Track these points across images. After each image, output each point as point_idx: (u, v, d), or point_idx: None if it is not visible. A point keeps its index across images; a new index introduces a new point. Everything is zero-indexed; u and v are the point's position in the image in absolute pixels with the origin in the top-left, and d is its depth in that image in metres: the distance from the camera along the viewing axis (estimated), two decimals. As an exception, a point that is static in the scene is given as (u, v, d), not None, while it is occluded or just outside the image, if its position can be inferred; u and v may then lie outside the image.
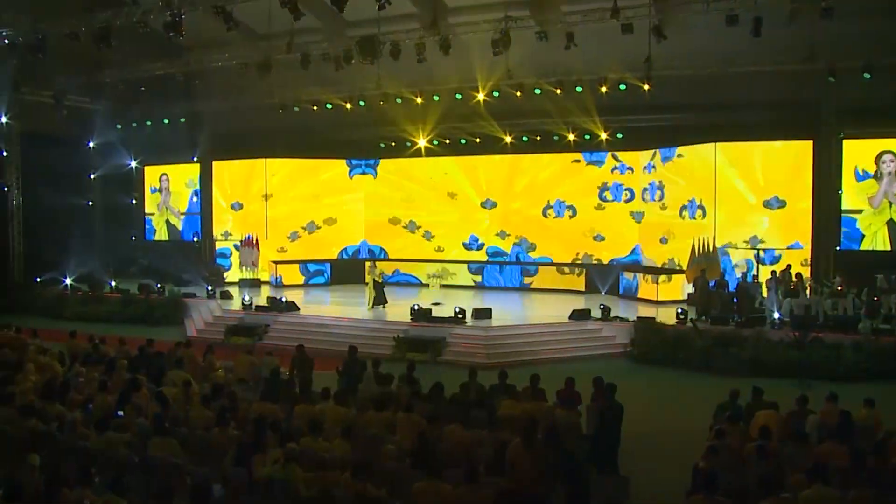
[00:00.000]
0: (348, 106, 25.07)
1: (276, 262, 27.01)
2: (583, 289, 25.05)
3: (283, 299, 20.89)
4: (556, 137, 26.23)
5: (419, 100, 24.32)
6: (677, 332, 17.67)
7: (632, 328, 18.20)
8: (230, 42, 23.21)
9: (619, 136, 25.13)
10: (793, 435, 9.13)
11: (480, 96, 23.52)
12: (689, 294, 20.63)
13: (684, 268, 21.71)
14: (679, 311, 18.39)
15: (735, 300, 18.62)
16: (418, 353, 17.46)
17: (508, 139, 26.64)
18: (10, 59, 24.26)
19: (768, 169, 21.58)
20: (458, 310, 18.64)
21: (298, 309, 20.66)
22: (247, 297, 21.35)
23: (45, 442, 9.05)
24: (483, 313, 19.08)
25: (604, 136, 25.26)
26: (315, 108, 25.54)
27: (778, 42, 19.39)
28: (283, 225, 27.89)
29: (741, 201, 21.85)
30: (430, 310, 19.03)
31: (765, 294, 18.83)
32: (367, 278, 21.82)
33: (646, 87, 21.33)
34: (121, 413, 9.51)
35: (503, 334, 18.28)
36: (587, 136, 25.77)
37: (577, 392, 11.33)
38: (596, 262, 25.55)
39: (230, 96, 26.59)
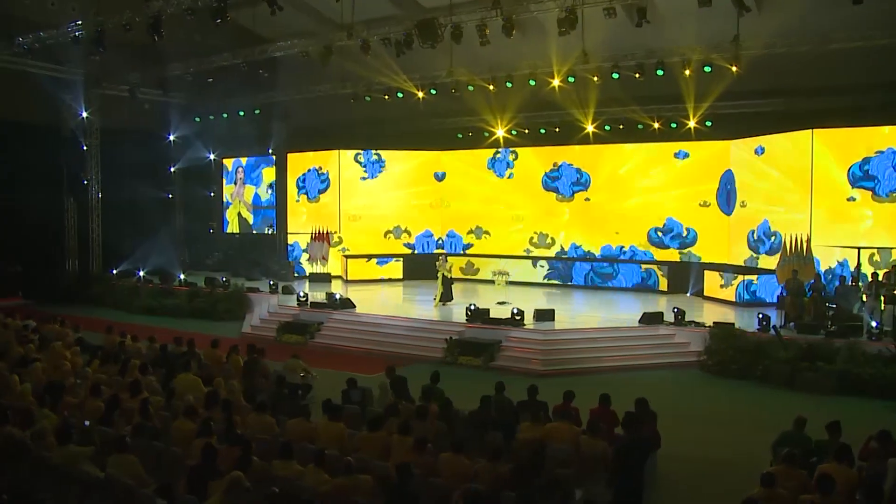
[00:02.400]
0: (420, 95, 24.11)
1: (347, 257, 26.37)
2: (665, 289, 23.12)
3: (338, 296, 20.06)
4: (640, 126, 24.48)
5: (491, 87, 23.01)
6: (758, 340, 15.69)
7: (706, 335, 16.34)
8: (311, 33, 22.67)
9: (708, 123, 23.11)
10: (866, 489, 7.29)
11: (556, 82, 22.04)
12: (778, 297, 18.55)
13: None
14: (760, 316, 16.38)
15: (832, 306, 16.48)
16: (471, 356, 16.33)
17: (591, 128, 25.05)
18: (91, 55, 24.78)
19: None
20: (515, 311, 17.28)
21: (354, 306, 19.79)
22: (302, 293, 20.66)
23: (18, 452, 8.45)
24: (545, 315, 17.64)
25: (692, 124, 23.34)
26: (387, 97, 24.67)
27: (885, 13, 17.07)
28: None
29: (838, 195, 19.39)
30: (488, 310, 17.73)
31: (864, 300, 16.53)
32: (438, 273, 20.69)
33: (733, 68, 19.37)
34: (87, 423, 8.78)
35: (563, 339, 16.78)
36: (673, 125, 23.93)
37: (612, 413, 9.85)
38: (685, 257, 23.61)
39: (304, 87, 26.22)
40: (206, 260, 29.41)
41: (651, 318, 17.40)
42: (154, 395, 10.66)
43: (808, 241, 18.66)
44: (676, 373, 15.82)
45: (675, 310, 17.42)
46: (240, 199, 29.95)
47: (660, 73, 20.47)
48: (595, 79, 21.43)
